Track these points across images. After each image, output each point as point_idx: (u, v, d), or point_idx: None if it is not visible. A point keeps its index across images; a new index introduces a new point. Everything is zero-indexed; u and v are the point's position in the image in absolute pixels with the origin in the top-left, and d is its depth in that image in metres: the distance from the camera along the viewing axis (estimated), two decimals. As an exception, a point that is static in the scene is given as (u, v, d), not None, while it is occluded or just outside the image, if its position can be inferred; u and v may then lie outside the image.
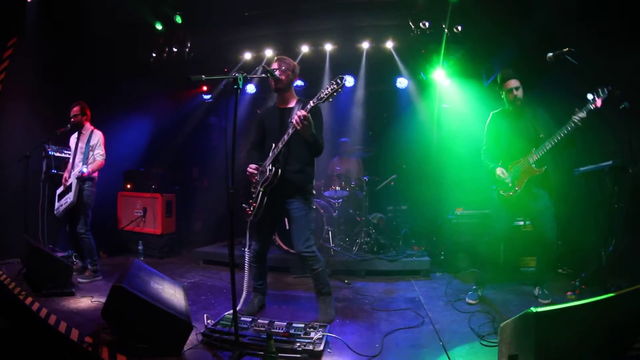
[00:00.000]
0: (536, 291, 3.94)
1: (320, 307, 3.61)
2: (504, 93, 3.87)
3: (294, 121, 3.20)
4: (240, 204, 3.73)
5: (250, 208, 3.55)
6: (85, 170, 4.73)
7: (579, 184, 4.71)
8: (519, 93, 3.79)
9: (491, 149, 4.02)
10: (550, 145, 3.58)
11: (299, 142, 3.41)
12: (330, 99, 3.14)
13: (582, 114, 3.37)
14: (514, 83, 3.79)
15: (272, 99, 3.77)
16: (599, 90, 3.33)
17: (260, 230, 3.71)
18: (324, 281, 3.61)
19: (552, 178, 3.85)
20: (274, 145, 3.47)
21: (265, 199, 3.46)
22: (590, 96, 3.38)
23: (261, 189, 3.45)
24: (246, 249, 3.69)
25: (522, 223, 4.91)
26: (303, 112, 3.16)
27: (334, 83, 3.07)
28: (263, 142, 3.71)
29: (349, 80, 7.25)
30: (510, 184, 3.76)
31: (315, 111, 3.43)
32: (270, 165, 3.42)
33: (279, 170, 3.40)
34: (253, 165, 3.55)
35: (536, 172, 3.70)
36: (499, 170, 3.81)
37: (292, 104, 3.62)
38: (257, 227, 3.69)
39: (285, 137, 3.35)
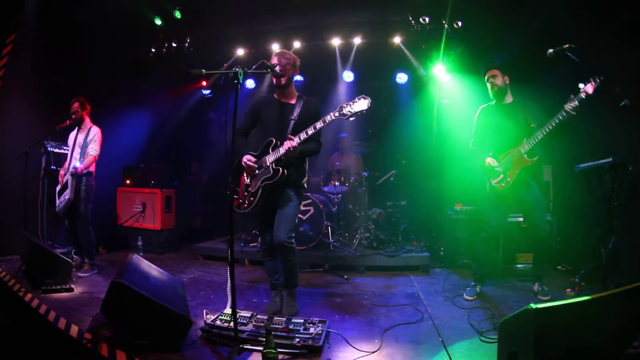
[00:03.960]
0: (535, 287, 3.94)
1: (285, 300, 3.62)
2: (488, 82, 3.94)
3: (282, 150, 3.24)
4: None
5: (246, 202, 3.50)
6: (78, 165, 4.73)
7: (578, 181, 4.70)
8: (496, 81, 3.86)
9: (480, 140, 4.03)
10: (542, 135, 3.58)
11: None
12: (352, 119, 3.15)
13: (574, 103, 3.37)
14: (490, 72, 3.89)
15: (271, 93, 3.73)
16: (591, 77, 3.35)
17: (267, 223, 3.59)
18: (296, 274, 3.62)
19: (543, 170, 3.85)
20: (274, 140, 3.41)
21: (265, 195, 3.42)
22: (582, 85, 3.39)
23: (261, 185, 3.40)
24: (242, 240, 3.64)
25: (521, 219, 4.90)
26: (292, 144, 3.20)
27: (363, 102, 3.08)
28: (251, 130, 3.68)
29: (349, 76, 7.26)
30: (501, 172, 3.77)
31: (314, 113, 3.43)
32: (274, 165, 3.36)
33: (285, 172, 3.35)
34: (252, 159, 3.47)
35: (528, 163, 3.70)
36: (489, 159, 3.83)
37: (292, 100, 3.57)
38: (263, 220, 3.62)
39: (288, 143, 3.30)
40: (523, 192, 3.78)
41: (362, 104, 3.09)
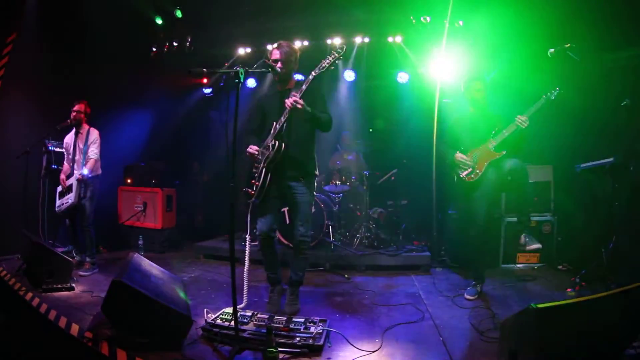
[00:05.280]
0: (522, 239, 4.04)
1: (288, 298, 3.63)
2: (469, 92, 4.17)
3: (287, 103, 3.20)
4: (240, 198, 3.69)
5: (252, 189, 3.44)
6: (86, 172, 4.79)
7: (579, 181, 4.70)
8: (480, 93, 4.10)
9: (454, 140, 4.20)
10: (507, 133, 3.78)
11: (300, 120, 3.37)
12: (332, 67, 3.23)
13: (533, 110, 3.65)
14: (476, 85, 4.11)
15: (273, 89, 3.77)
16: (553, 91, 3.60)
17: (266, 212, 3.52)
18: (305, 270, 3.70)
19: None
20: (275, 123, 3.41)
21: (269, 176, 3.38)
22: (544, 96, 3.64)
23: (264, 166, 3.37)
24: (247, 237, 3.60)
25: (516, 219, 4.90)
26: (295, 98, 3.18)
27: (335, 52, 3.17)
28: (262, 128, 3.64)
29: (350, 75, 7.26)
30: (470, 165, 3.94)
31: (316, 93, 3.45)
32: (273, 141, 3.35)
33: (282, 145, 3.33)
34: (254, 147, 3.48)
35: (496, 156, 3.88)
36: (458, 155, 4.00)
37: (291, 87, 3.59)
38: (262, 208, 3.54)
39: (286, 113, 3.30)
40: (496, 178, 3.90)
41: (335, 55, 3.19)
